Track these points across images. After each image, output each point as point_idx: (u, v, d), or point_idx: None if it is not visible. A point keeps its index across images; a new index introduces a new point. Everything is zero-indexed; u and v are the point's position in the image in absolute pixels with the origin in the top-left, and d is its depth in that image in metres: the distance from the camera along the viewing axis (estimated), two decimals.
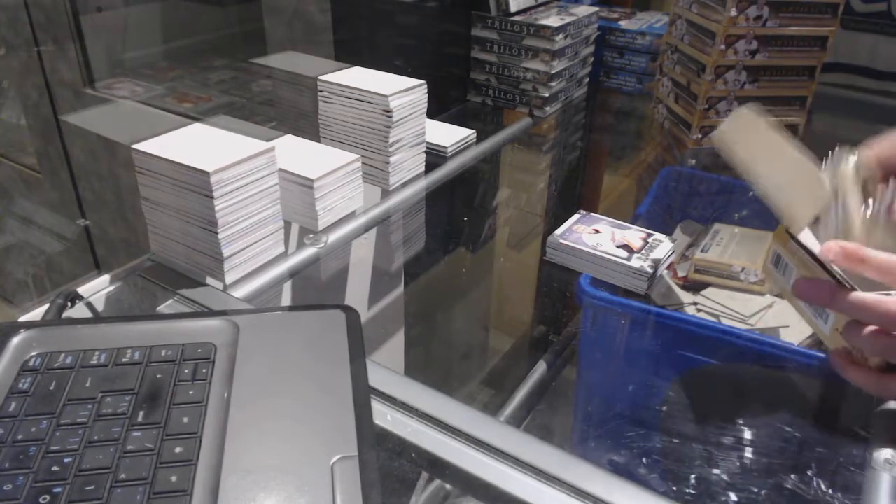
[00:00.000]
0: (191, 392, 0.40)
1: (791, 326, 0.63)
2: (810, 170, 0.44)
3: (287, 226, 0.62)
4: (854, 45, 1.05)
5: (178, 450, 0.36)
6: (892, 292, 0.40)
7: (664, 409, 0.59)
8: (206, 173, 0.51)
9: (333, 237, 0.65)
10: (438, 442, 0.41)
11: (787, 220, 0.46)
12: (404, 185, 0.76)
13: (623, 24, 1.16)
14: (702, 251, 0.71)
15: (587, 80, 1.15)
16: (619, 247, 0.64)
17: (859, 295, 0.41)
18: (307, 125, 0.78)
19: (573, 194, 1.02)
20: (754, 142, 0.46)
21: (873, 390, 0.44)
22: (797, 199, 0.44)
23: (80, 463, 0.35)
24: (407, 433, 0.42)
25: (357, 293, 0.70)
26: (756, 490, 0.51)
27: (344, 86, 0.71)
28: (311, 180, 0.61)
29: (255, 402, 0.40)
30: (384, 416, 0.43)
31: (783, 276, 0.49)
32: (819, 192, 0.43)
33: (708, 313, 0.66)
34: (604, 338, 0.61)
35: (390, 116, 0.69)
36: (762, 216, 0.64)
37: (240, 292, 0.56)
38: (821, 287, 0.43)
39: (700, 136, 0.91)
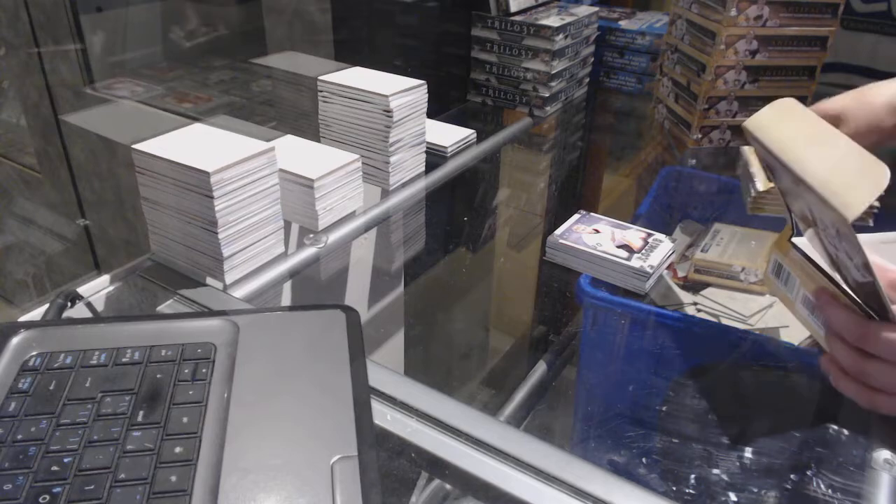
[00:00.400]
0: (191, 392, 0.40)
1: (791, 326, 0.63)
2: (867, 155, 0.42)
3: (287, 226, 0.62)
4: (854, 45, 1.04)
5: (177, 450, 0.36)
6: None
7: (664, 409, 0.59)
8: (206, 173, 0.51)
9: (333, 237, 0.65)
10: (438, 442, 0.41)
11: (841, 206, 0.41)
12: (404, 185, 0.76)
13: (623, 24, 1.16)
14: (702, 251, 0.71)
15: (587, 80, 1.15)
16: (619, 247, 0.64)
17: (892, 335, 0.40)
18: (307, 125, 0.78)
19: (573, 194, 1.02)
20: (799, 130, 0.45)
21: (863, 403, 0.43)
22: (854, 183, 0.41)
23: (80, 463, 0.35)
24: (407, 433, 0.42)
25: (357, 293, 0.70)
26: (756, 490, 0.51)
27: (344, 86, 0.71)
28: (312, 180, 0.61)
29: (255, 402, 0.40)
30: (384, 416, 0.43)
31: (785, 286, 0.48)
32: (879, 174, 0.40)
33: (708, 313, 0.66)
34: (604, 338, 0.61)
35: (390, 116, 0.69)
36: (762, 216, 0.64)
37: (240, 292, 0.56)
38: (849, 321, 0.42)
39: (700, 136, 0.91)
